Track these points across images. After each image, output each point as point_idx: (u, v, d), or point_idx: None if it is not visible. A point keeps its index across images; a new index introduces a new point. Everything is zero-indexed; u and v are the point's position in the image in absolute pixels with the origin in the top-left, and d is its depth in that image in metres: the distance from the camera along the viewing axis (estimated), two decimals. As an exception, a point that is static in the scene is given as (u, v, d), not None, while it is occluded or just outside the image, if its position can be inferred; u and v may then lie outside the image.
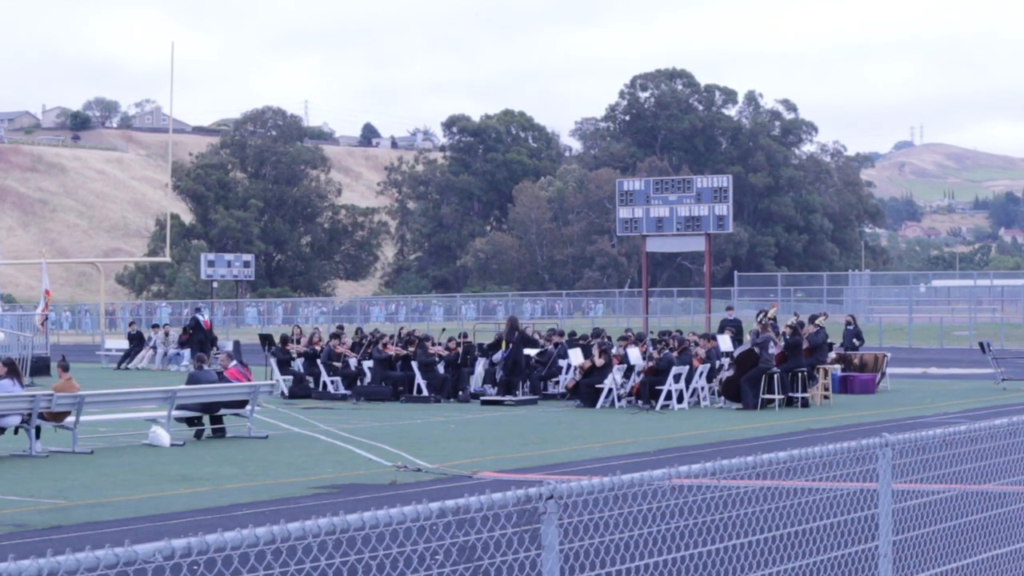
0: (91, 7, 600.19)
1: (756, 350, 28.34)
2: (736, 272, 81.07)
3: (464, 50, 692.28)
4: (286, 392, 31.96)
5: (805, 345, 29.50)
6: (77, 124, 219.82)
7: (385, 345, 32.68)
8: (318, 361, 32.75)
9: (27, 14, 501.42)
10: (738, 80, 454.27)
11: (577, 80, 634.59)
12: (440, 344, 32.49)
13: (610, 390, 28.75)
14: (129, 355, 47.00)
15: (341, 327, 40.28)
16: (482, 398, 30.36)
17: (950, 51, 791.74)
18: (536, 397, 30.53)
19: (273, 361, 32.94)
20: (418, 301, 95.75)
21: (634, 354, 29.22)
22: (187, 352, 43.29)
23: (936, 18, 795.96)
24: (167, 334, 47.75)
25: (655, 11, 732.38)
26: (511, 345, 30.53)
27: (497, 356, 31.00)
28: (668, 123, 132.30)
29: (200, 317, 45.21)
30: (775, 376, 28.13)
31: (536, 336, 33.87)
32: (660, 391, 28.07)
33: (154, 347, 46.83)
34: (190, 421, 22.57)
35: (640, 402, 28.42)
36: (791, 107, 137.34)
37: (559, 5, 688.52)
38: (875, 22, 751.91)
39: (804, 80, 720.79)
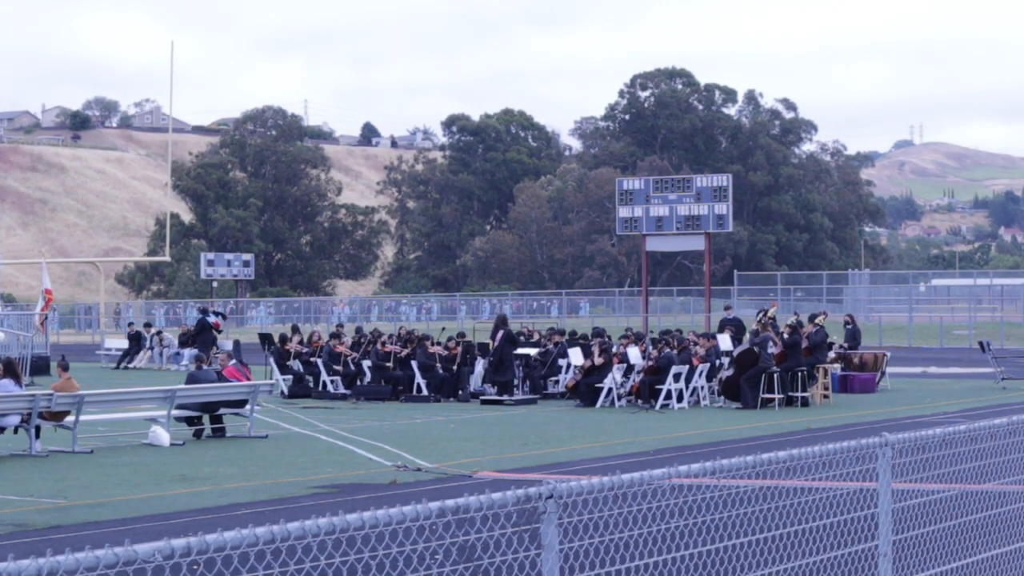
0: (89, 7, 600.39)
1: (756, 349, 28.34)
2: (736, 271, 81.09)
3: (454, 52, 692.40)
4: (286, 392, 31.98)
5: (804, 344, 29.49)
6: (77, 124, 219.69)
7: (384, 344, 32.68)
8: (317, 360, 32.78)
9: (26, 14, 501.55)
10: (738, 79, 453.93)
11: (571, 82, 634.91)
12: (440, 344, 32.48)
13: (610, 389, 28.74)
14: (128, 355, 46.99)
15: (341, 326, 40.28)
16: (482, 398, 30.36)
17: (951, 50, 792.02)
18: (536, 396, 30.54)
19: (272, 360, 32.96)
20: (391, 301, 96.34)
21: (634, 353, 29.21)
22: (187, 352, 43.31)
23: (937, 17, 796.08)
24: (162, 339, 47.72)
25: (650, 11, 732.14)
26: (496, 344, 30.63)
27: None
28: (668, 122, 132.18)
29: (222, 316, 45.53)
30: (775, 375, 28.13)
31: (525, 334, 33.70)
32: (660, 390, 28.06)
33: (152, 347, 46.80)
34: (190, 421, 22.56)
35: (640, 401, 28.41)
36: (791, 106, 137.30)
37: (554, 6, 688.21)
38: (876, 21, 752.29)
39: (804, 79, 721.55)
